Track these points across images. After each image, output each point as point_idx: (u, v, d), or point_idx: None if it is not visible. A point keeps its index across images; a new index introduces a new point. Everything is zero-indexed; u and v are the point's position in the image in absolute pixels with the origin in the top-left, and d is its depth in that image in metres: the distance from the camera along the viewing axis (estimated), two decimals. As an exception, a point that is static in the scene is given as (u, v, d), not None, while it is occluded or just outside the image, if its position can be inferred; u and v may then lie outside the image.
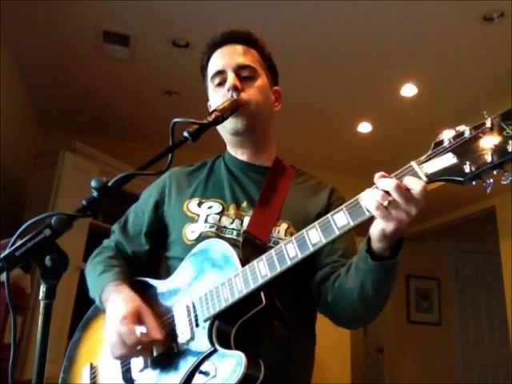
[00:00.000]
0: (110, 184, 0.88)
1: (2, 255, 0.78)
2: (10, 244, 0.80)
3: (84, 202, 0.87)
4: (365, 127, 4.39)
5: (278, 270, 0.93)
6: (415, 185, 0.82)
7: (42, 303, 0.81)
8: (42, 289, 0.82)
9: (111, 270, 1.18)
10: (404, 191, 0.82)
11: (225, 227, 1.14)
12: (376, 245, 0.90)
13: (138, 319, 1.02)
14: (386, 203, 0.82)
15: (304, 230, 0.93)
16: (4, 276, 0.80)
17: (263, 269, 0.94)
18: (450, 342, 5.94)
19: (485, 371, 5.93)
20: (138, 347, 1.00)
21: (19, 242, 0.80)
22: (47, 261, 0.81)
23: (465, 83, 3.63)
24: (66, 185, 3.50)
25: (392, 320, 5.80)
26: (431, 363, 5.74)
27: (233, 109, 1.12)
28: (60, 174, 3.52)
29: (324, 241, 0.89)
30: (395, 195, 0.82)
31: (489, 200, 4.51)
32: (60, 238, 0.83)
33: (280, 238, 1.10)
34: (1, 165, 3.34)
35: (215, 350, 0.96)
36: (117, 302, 1.07)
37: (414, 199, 0.82)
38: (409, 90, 3.75)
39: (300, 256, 0.91)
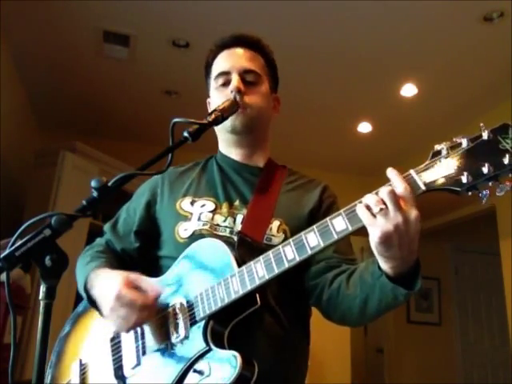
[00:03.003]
0: (110, 184, 0.88)
1: (2, 255, 0.78)
2: (10, 244, 0.80)
3: (84, 202, 0.87)
4: (365, 127, 4.39)
5: (276, 271, 0.93)
6: (399, 186, 0.82)
7: (42, 303, 0.81)
8: (42, 289, 0.82)
9: (97, 260, 1.19)
10: (396, 197, 0.81)
11: (218, 225, 1.14)
12: (377, 259, 0.90)
13: (132, 285, 1.01)
14: (377, 209, 0.82)
15: (302, 233, 0.93)
16: (4, 276, 0.80)
17: (260, 270, 0.95)
18: (450, 342, 5.94)
19: (485, 371, 5.93)
20: (145, 310, 0.99)
21: (19, 242, 0.80)
22: (47, 261, 0.81)
23: (465, 83, 3.63)
24: (66, 185, 3.50)
25: (392, 320, 5.79)
26: (431, 363, 5.73)
27: (233, 109, 1.13)
28: (60, 174, 3.52)
29: (322, 244, 0.90)
30: (387, 200, 0.81)
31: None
32: (60, 237, 0.83)
33: (272, 235, 1.11)
34: (1, 165, 3.34)
35: (210, 350, 0.96)
36: (106, 281, 1.06)
37: (403, 206, 0.81)
38: (409, 90, 3.75)
39: (298, 259, 0.92)
